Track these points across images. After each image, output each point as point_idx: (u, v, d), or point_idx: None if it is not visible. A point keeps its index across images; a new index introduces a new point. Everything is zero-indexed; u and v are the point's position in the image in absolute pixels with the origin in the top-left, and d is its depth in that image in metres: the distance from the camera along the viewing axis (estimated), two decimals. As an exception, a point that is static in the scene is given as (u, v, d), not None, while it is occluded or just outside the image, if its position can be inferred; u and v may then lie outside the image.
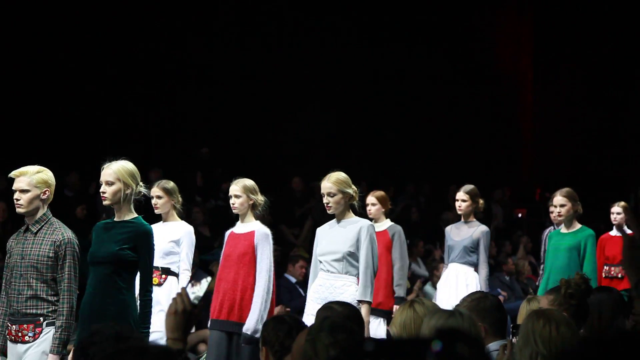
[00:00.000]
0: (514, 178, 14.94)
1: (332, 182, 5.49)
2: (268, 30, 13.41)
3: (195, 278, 2.76)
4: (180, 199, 6.19)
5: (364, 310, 5.33)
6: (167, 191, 6.00)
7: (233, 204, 5.82)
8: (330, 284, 5.54)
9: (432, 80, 14.49)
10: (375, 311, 6.32)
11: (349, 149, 13.42)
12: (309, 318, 5.40)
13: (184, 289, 2.83)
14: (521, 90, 16.35)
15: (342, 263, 5.50)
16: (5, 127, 10.73)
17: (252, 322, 5.60)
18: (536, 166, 16.11)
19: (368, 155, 13.80)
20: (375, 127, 14.10)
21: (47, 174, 4.80)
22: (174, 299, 2.82)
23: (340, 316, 3.63)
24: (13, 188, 4.75)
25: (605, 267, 7.21)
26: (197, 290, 2.79)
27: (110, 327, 2.97)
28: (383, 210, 6.86)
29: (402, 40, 14.30)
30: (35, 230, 4.71)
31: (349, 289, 5.48)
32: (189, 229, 6.13)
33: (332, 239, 5.56)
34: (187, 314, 2.78)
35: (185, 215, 6.51)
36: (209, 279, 2.88)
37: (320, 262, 5.60)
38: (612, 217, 7.53)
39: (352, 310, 3.99)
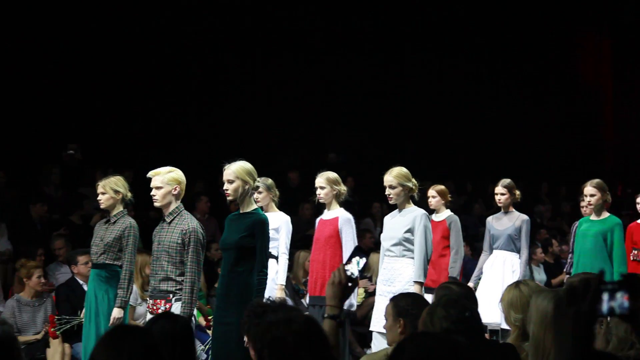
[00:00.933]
0: (597, 174, 15.20)
1: (393, 176, 5.90)
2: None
3: (350, 258, 3.13)
4: (277, 192, 6.74)
5: (417, 289, 5.70)
6: (267, 187, 6.50)
7: (319, 195, 6.31)
8: (391, 267, 5.97)
9: (520, 88, 15.22)
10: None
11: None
12: (379, 298, 5.92)
13: (343, 265, 3.09)
14: (602, 92, 16.95)
15: (399, 247, 5.90)
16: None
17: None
18: (618, 163, 16.59)
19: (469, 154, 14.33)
20: (470, 131, 14.61)
21: (177, 173, 5.35)
22: (334, 273, 3.10)
23: (455, 294, 3.88)
24: (150, 186, 5.32)
25: (633, 251, 7.41)
26: (351, 268, 3.04)
27: (259, 304, 3.40)
28: (443, 202, 7.29)
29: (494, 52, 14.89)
30: (169, 221, 5.28)
31: (406, 270, 5.89)
32: (287, 218, 6.67)
33: (392, 226, 5.97)
34: (342, 286, 3.03)
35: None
36: (362, 259, 3.09)
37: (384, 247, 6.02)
38: (638, 207, 7.84)
39: (467, 289, 4.24)
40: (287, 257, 6.67)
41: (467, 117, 14.68)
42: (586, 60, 16.74)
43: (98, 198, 6.16)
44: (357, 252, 3.09)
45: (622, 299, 2.01)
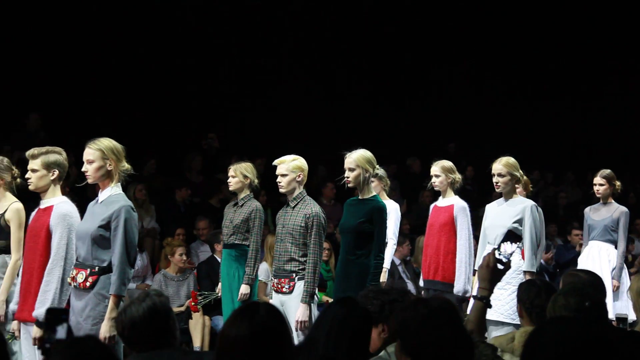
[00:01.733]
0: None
1: (502, 165, 5.81)
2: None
3: (501, 242, 3.19)
4: (388, 182, 6.97)
5: (528, 277, 5.45)
6: (379, 176, 6.60)
7: (434, 182, 6.38)
8: None
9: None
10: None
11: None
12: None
13: (494, 249, 3.12)
14: None
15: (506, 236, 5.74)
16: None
17: (461, 285, 6.11)
18: None
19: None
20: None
21: (300, 161, 5.55)
22: (484, 257, 3.13)
23: (581, 282, 3.76)
24: (276, 173, 5.56)
25: None
26: (502, 252, 3.08)
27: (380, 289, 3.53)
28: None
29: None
30: (293, 205, 5.50)
31: (513, 260, 5.91)
32: (396, 206, 6.87)
33: (498, 214, 5.81)
34: (492, 269, 3.06)
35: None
36: (512, 244, 3.17)
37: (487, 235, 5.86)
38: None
39: (594, 277, 4.06)
40: (395, 242, 6.86)
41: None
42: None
43: (228, 180, 6.49)
44: (509, 237, 3.10)
45: None
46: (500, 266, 3.07)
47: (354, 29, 13.24)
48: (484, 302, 3.06)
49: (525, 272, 5.69)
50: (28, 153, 4.81)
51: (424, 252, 6.54)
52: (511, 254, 3.08)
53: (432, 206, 6.60)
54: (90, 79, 11.11)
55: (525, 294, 3.70)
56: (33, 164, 4.74)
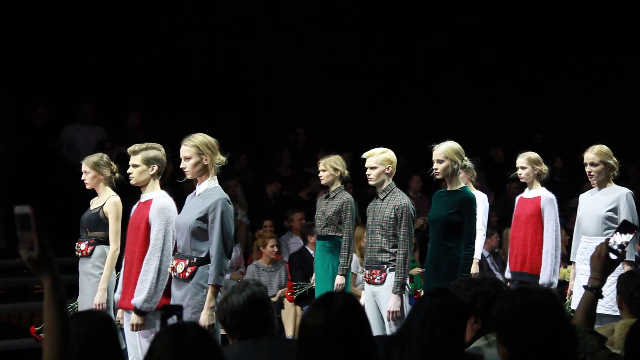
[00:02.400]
0: None
1: (594, 153, 5.59)
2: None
3: (616, 232, 3.08)
4: (475, 173, 6.86)
5: (627, 269, 5.33)
6: (466, 168, 6.36)
7: (520, 174, 6.21)
8: (592, 246, 5.72)
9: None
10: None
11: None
12: (580, 278, 5.66)
13: (607, 238, 3.02)
14: None
15: (600, 225, 5.60)
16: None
17: (546, 276, 6.01)
18: None
19: None
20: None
21: (389, 154, 5.51)
22: (597, 247, 3.02)
23: None
24: (365, 166, 5.53)
25: None
26: (615, 242, 2.97)
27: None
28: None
29: None
30: (382, 197, 5.46)
31: None
32: (483, 196, 6.80)
33: (592, 203, 5.67)
34: (604, 259, 2.96)
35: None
36: (626, 234, 2.99)
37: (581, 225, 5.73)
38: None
39: None
40: (484, 233, 6.78)
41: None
42: None
43: (319, 175, 6.51)
44: (624, 227, 3.01)
45: None
46: (613, 256, 2.97)
47: (449, 25, 13.07)
48: (595, 292, 2.97)
49: (623, 262, 5.52)
50: (129, 149, 4.95)
51: (510, 244, 6.43)
52: (626, 244, 2.96)
53: (518, 198, 6.46)
54: (185, 81, 11.35)
55: (625, 285, 3.60)
56: (134, 160, 4.88)
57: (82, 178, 5.56)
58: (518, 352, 2.43)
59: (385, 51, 12.87)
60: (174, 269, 4.57)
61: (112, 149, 8.60)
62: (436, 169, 5.38)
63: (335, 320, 2.48)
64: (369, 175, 5.52)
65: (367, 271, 5.51)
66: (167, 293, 4.69)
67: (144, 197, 4.92)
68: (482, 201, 6.63)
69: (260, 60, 12.08)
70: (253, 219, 9.29)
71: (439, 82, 13.13)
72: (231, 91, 11.65)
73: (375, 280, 5.41)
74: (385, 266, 5.39)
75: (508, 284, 6.42)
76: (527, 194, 6.28)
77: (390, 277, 5.35)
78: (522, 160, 6.23)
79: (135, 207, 4.96)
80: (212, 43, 11.61)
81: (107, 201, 5.45)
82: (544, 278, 6.01)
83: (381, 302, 5.36)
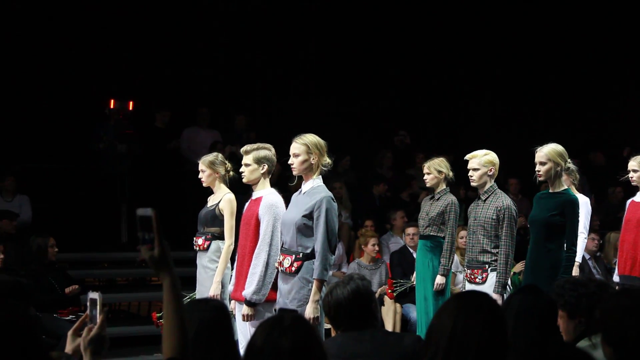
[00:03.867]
0: None
1: None
2: None
3: None
4: (577, 176, 6.42)
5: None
6: (569, 170, 6.21)
7: (632, 177, 5.93)
8: None
9: None
10: None
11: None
12: None
13: None
14: None
15: None
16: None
17: None
18: None
19: None
20: None
21: (492, 156, 5.39)
22: None
23: None
24: (468, 167, 5.44)
25: None
26: None
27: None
28: None
29: None
30: (484, 199, 5.35)
31: None
32: (585, 199, 6.50)
33: None
34: None
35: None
36: None
37: None
38: None
39: None
40: (586, 236, 6.51)
41: None
42: None
43: (424, 178, 6.49)
44: None
45: None
46: None
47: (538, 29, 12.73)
48: None
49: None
50: (242, 149, 5.04)
51: (620, 248, 6.15)
52: None
53: (629, 201, 6.19)
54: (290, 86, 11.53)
55: None
56: (246, 159, 4.97)
57: (199, 176, 5.70)
58: (625, 352, 2.34)
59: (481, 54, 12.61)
60: (280, 263, 4.62)
61: (223, 149, 8.82)
62: (539, 171, 5.24)
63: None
64: (471, 176, 5.43)
65: (468, 270, 5.43)
66: (275, 287, 4.74)
67: (255, 195, 5.00)
68: (584, 204, 6.35)
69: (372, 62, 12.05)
70: (356, 219, 9.28)
71: (536, 83, 12.77)
72: (336, 97, 11.72)
73: (477, 280, 5.32)
74: (486, 266, 5.29)
75: (617, 287, 6.17)
76: (639, 197, 6.01)
77: (492, 276, 5.25)
78: (634, 163, 5.94)
79: (247, 204, 5.05)
80: (315, 44, 11.69)
81: (223, 198, 5.55)
82: None
83: None
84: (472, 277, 5.36)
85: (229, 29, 11.28)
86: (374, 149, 10.85)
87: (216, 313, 2.71)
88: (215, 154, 5.85)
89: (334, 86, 11.73)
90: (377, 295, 7.57)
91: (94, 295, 2.36)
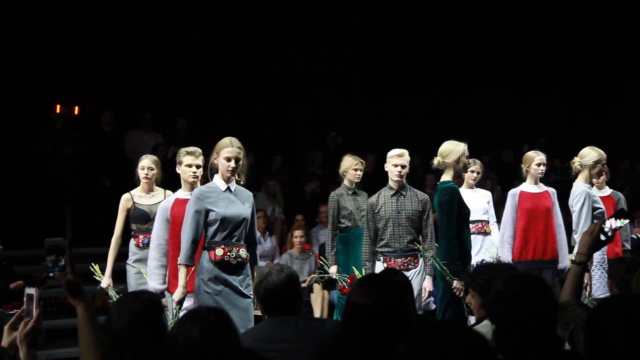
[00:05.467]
0: None
1: None
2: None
3: (612, 216, 3.03)
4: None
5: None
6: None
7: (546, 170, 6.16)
8: None
9: None
10: None
11: None
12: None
13: (603, 220, 2.97)
14: None
15: None
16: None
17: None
18: None
19: None
20: None
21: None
22: (591, 226, 2.99)
23: None
24: (396, 163, 5.54)
25: None
26: (608, 225, 2.90)
27: None
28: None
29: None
30: (404, 193, 5.55)
31: None
32: (487, 193, 6.75)
33: None
34: (595, 238, 2.91)
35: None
36: (619, 220, 2.94)
37: None
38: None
39: None
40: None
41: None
42: None
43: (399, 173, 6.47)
44: (620, 213, 2.95)
45: None
46: (602, 237, 2.94)
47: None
48: (582, 266, 2.94)
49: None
50: (197, 151, 5.05)
51: (523, 235, 6.03)
52: (616, 229, 2.92)
53: (517, 192, 6.15)
54: (224, 88, 11.46)
55: (616, 270, 3.57)
56: (199, 161, 5.05)
57: (145, 173, 5.60)
58: (502, 332, 2.40)
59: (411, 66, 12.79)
60: (236, 256, 4.61)
61: (166, 151, 8.75)
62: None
63: (383, 304, 2.35)
64: (400, 172, 5.54)
65: (399, 260, 5.50)
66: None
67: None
68: (486, 196, 6.61)
69: (297, 67, 12.09)
70: (288, 214, 9.33)
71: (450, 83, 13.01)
72: (268, 97, 11.71)
73: (409, 267, 5.47)
74: (417, 252, 5.51)
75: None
76: (526, 187, 6.12)
77: (421, 262, 5.51)
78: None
79: (173, 203, 5.02)
80: (248, 50, 11.64)
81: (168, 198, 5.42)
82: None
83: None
84: (405, 264, 5.46)
85: (174, 33, 11.13)
86: (306, 149, 10.92)
87: (146, 305, 2.72)
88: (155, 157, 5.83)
89: (270, 90, 11.74)
90: (307, 283, 7.65)
91: (30, 290, 2.37)
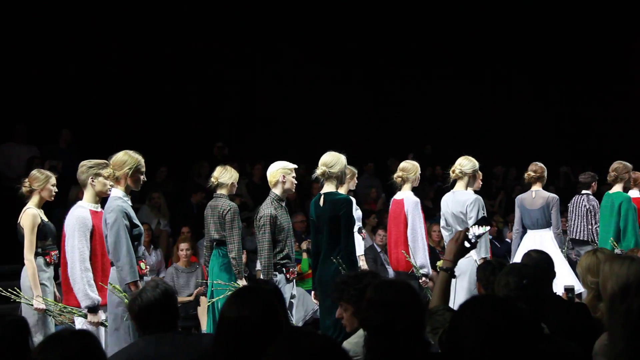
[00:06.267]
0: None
1: None
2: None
3: (475, 224, 2.98)
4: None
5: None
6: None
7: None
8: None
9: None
10: None
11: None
12: None
13: (467, 227, 3.03)
14: None
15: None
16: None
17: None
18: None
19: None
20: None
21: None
22: (456, 233, 3.03)
23: (531, 260, 3.74)
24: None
25: None
26: (472, 232, 2.98)
27: None
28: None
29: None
30: (284, 205, 5.56)
31: None
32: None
33: None
34: (460, 245, 2.99)
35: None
36: (482, 227, 3.01)
37: None
38: None
39: (545, 256, 3.92)
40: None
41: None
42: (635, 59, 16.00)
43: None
44: (483, 221, 3.01)
45: None
46: (467, 244, 3.03)
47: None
48: (449, 273, 3.01)
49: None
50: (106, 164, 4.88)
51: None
52: (480, 236, 3.02)
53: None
54: (109, 100, 11.13)
55: (482, 272, 3.70)
56: (106, 172, 4.88)
57: (53, 192, 5.41)
58: (371, 337, 2.46)
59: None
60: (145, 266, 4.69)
61: (42, 164, 8.37)
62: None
63: (259, 313, 2.42)
64: (295, 181, 5.57)
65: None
66: None
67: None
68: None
69: (179, 81, 11.91)
70: (174, 227, 9.16)
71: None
72: (151, 108, 11.48)
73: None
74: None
75: None
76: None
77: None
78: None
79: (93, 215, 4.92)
80: (130, 58, 11.36)
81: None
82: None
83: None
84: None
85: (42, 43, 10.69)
86: (192, 159, 10.76)
87: (11, 329, 2.62)
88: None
89: (152, 100, 11.50)
90: (193, 296, 7.52)
91: None
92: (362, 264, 6.46)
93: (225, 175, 6.20)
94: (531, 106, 14.53)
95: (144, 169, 4.72)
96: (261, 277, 5.47)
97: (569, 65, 14.75)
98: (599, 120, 14.76)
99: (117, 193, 4.60)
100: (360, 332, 3.19)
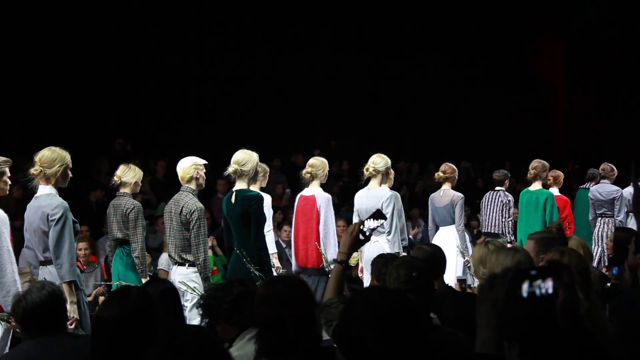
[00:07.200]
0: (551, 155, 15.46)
1: None
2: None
3: (370, 217, 3.05)
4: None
5: None
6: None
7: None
8: None
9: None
10: None
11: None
12: None
13: (362, 221, 3.06)
14: (555, 89, 17.49)
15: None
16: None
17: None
18: (568, 145, 17.12)
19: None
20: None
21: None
22: (351, 226, 3.08)
23: (423, 253, 3.82)
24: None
25: None
26: (367, 225, 3.03)
27: None
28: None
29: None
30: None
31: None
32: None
33: None
34: (354, 238, 3.03)
35: None
36: (378, 221, 3.06)
37: None
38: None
39: (436, 249, 3.99)
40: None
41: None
42: (542, 60, 17.00)
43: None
44: (378, 214, 3.05)
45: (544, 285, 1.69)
46: (361, 237, 3.06)
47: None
48: (343, 265, 3.04)
49: None
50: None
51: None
52: (374, 229, 3.06)
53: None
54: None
55: (375, 265, 3.80)
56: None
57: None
58: (262, 335, 2.46)
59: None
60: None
61: None
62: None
63: (130, 314, 2.49)
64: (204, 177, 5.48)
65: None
66: None
67: None
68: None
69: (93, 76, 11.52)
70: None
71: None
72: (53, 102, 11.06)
73: None
74: None
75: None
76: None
77: None
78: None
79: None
80: (33, 50, 10.91)
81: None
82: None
83: None
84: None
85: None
86: (90, 155, 10.43)
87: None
88: None
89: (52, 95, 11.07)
90: (92, 297, 7.29)
91: None
92: (275, 261, 6.44)
93: (128, 174, 6.08)
94: (435, 103, 14.91)
95: (71, 165, 4.73)
96: (170, 276, 5.42)
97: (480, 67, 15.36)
98: (499, 116, 15.44)
99: (49, 190, 4.58)
100: (245, 337, 3.09)
